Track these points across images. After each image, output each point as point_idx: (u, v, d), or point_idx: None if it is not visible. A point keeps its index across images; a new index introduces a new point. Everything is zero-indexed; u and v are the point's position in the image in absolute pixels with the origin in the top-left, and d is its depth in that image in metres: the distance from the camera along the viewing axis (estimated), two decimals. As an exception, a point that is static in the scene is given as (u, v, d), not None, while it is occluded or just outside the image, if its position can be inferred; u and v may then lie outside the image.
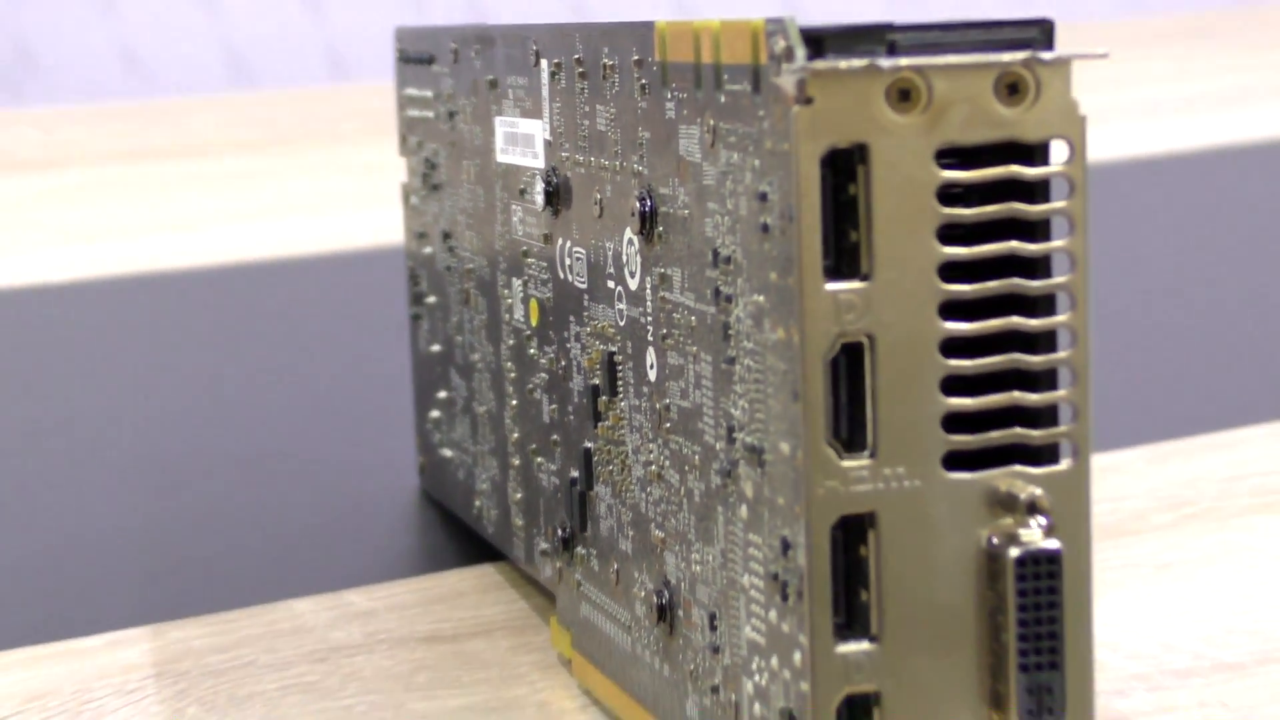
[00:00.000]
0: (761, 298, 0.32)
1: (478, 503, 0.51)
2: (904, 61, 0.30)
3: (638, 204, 0.37)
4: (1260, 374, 0.71)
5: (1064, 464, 0.31)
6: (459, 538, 0.54)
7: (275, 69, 2.06)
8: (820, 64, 0.30)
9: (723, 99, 0.33)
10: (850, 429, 0.31)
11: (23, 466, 0.66)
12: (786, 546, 0.32)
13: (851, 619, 0.31)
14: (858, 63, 0.30)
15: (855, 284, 0.30)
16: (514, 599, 0.49)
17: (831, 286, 0.30)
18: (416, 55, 0.53)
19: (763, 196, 0.32)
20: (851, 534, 0.31)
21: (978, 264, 0.31)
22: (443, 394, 0.53)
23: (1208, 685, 0.43)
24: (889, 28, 0.31)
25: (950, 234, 0.31)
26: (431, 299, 0.54)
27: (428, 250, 0.54)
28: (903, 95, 0.30)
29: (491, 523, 0.50)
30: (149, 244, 1.08)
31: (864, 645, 0.31)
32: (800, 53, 0.30)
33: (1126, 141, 1.26)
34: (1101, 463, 0.58)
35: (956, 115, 0.30)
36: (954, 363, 0.31)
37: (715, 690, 0.35)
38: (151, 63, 2.07)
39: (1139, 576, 0.50)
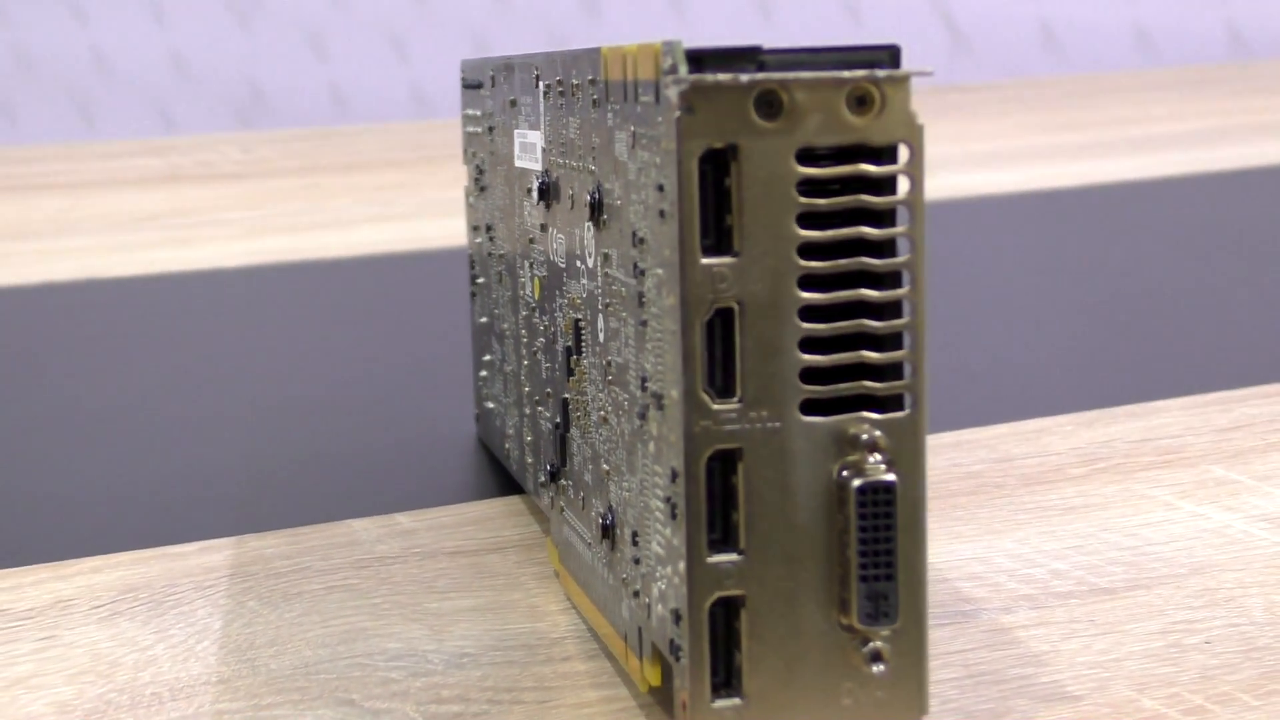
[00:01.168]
0: (661, 271, 0.32)
1: (506, 445, 0.51)
2: (768, 76, 0.30)
3: (588, 196, 0.37)
4: (1179, 355, 0.70)
5: (903, 412, 0.31)
6: (498, 474, 0.54)
7: (449, 102, 2.07)
8: (698, 78, 0.30)
9: (639, 109, 0.33)
10: (724, 378, 0.31)
11: (171, 407, 0.67)
12: (674, 475, 0.32)
13: (725, 536, 0.31)
14: (727, 77, 0.30)
15: (728, 259, 0.30)
16: (529, 524, 0.50)
17: (707, 261, 0.30)
18: (471, 82, 0.53)
19: (660, 187, 0.32)
20: (726, 465, 0.31)
21: (834, 245, 0.31)
22: (487, 357, 0.53)
23: (1082, 605, 0.43)
24: (759, 50, 0.31)
25: (810, 220, 0.31)
26: (481, 280, 0.54)
27: (479, 240, 0.54)
28: (768, 105, 0.30)
29: (514, 461, 0.50)
30: (310, 239, 1.09)
31: (732, 557, 0.31)
32: (683, 69, 0.30)
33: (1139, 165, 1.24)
34: (1039, 425, 0.58)
35: (813, 122, 0.30)
36: (810, 326, 0.31)
37: (637, 594, 0.35)
38: (353, 100, 2.09)
39: (1045, 517, 0.49)
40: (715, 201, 0.31)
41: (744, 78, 0.30)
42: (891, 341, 0.31)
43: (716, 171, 0.31)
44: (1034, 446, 0.56)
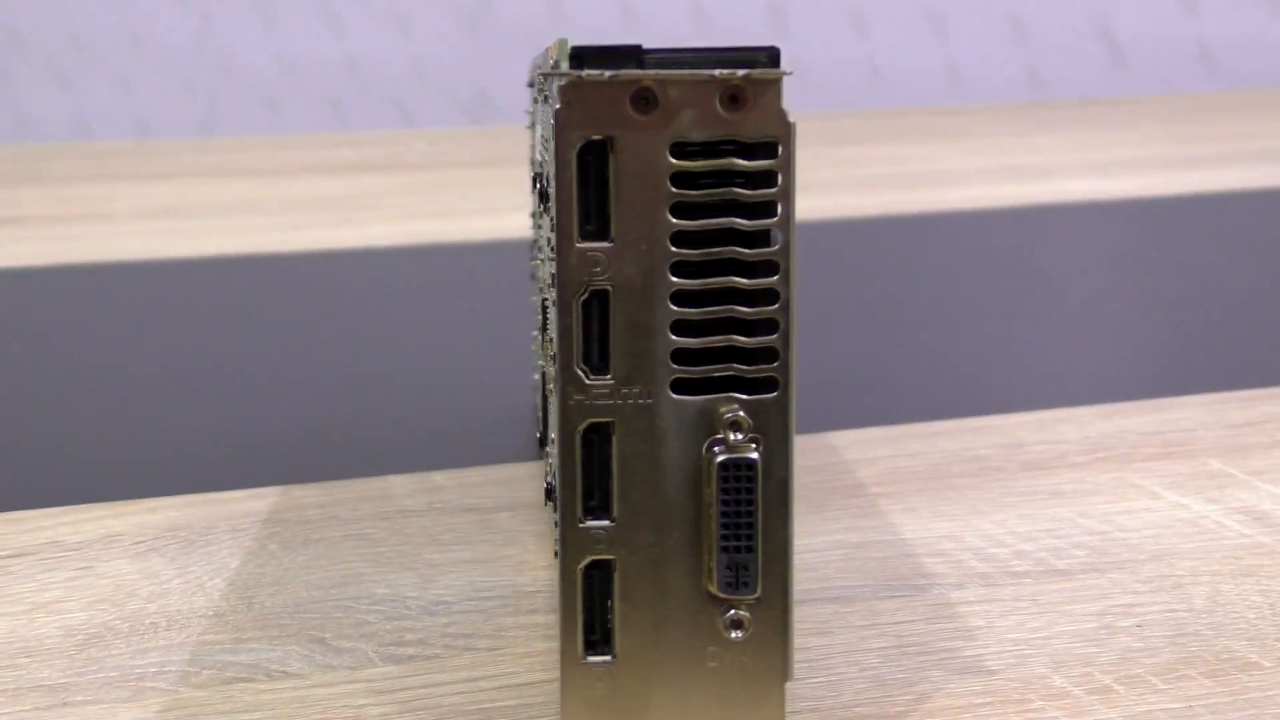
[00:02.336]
0: (553, 254, 0.31)
1: (539, 412, 0.50)
2: (643, 73, 0.29)
3: (537, 184, 0.36)
4: (1206, 356, 0.67)
5: (771, 394, 0.30)
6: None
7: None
8: (576, 74, 0.29)
9: (555, 104, 0.32)
10: (600, 356, 0.30)
11: (289, 367, 0.67)
12: (555, 444, 0.31)
13: (601, 503, 0.30)
14: (603, 73, 0.29)
15: (603, 244, 0.29)
16: (548, 485, 0.49)
17: (583, 245, 0.29)
18: (530, 81, 0.52)
19: (549, 178, 0.31)
20: (603, 438, 0.30)
21: (706, 234, 0.30)
22: (534, 333, 0.53)
23: (1033, 584, 0.41)
24: (639, 49, 0.29)
25: (683, 210, 0.29)
26: (534, 263, 0.53)
27: (530, 228, 0.53)
28: (643, 100, 0.29)
29: (539, 425, 0.49)
30: (465, 223, 1.09)
31: (605, 523, 0.30)
32: (565, 66, 0.29)
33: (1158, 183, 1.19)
34: (1060, 414, 0.55)
35: (686, 117, 0.29)
36: (681, 310, 0.30)
37: (556, 554, 0.34)
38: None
39: (1030, 500, 0.47)
40: (597, 189, 0.30)
41: (619, 74, 0.29)
42: (761, 327, 0.30)
43: (600, 162, 0.30)
44: (1047, 434, 0.54)
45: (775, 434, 0.30)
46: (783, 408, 0.30)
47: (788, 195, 0.29)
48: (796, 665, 0.36)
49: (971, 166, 1.24)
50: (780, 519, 0.30)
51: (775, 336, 0.30)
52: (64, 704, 0.35)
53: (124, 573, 0.42)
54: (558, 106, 0.29)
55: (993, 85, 1.90)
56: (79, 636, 0.38)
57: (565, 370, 0.30)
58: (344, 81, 2.08)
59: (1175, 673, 0.36)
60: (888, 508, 0.47)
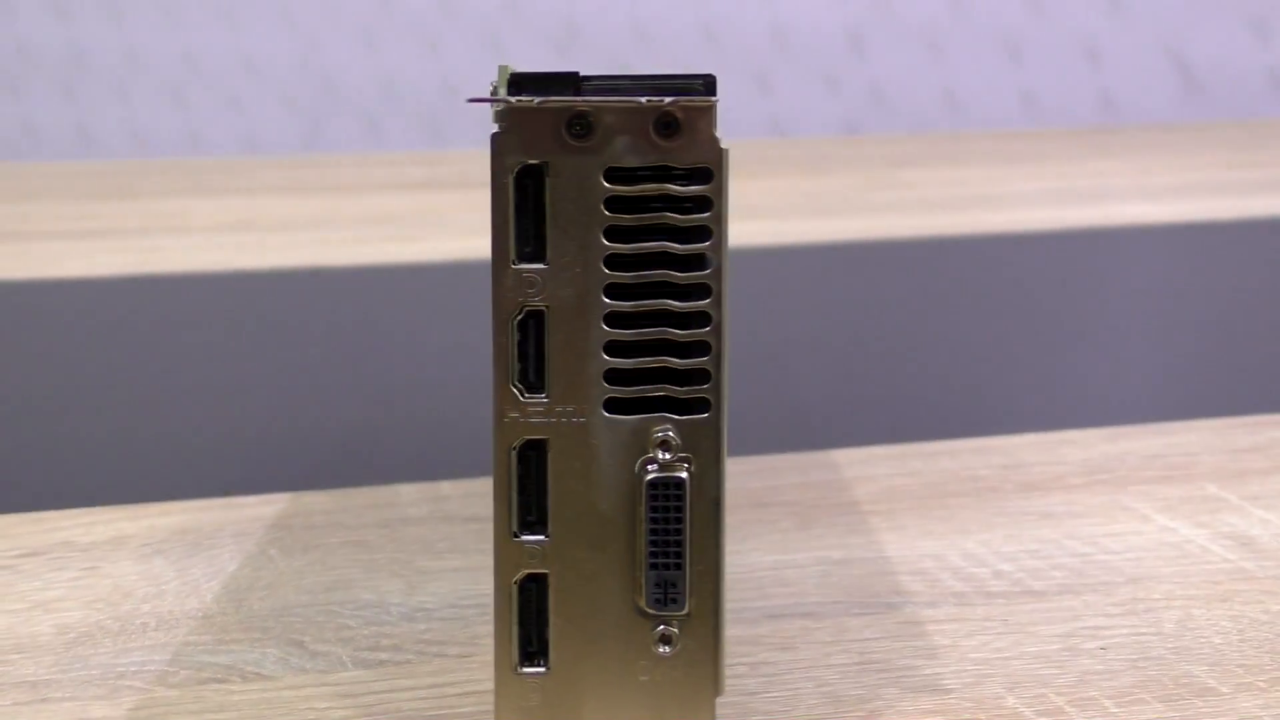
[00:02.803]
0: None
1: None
2: (577, 100, 0.29)
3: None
4: (1217, 379, 0.65)
5: (703, 415, 0.29)
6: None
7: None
8: (514, 100, 0.29)
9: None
10: (535, 375, 0.30)
11: (325, 375, 0.67)
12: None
13: (536, 518, 0.30)
14: (539, 100, 0.29)
15: (538, 266, 0.29)
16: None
17: (518, 266, 0.29)
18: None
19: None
20: (538, 454, 0.30)
21: (640, 257, 0.29)
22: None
23: (1006, 604, 0.40)
24: (576, 76, 0.29)
25: (617, 234, 0.29)
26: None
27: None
28: (578, 126, 0.29)
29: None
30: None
31: (539, 537, 0.30)
32: (503, 91, 0.29)
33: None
34: (1064, 437, 0.54)
35: (621, 143, 0.29)
36: (615, 331, 0.29)
37: (513, 566, 0.34)
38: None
39: (1018, 521, 0.46)
40: (534, 213, 0.29)
41: (552, 101, 0.29)
42: (693, 349, 0.29)
43: (537, 185, 0.29)
44: (1049, 456, 0.53)
45: (707, 454, 0.29)
46: (714, 428, 0.29)
47: (720, 220, 0.29)
48: (755, 680, 0.36)
49: (1028, 190, 1.23)
50: (712, 538, 0.30)
51: (707, 359, 0.29)
52: (42, 700, 0.35)
53: (126, 574, 0.42)
54: (495, 132, 0.29)
55: (1066, 109, 1.87)
56: (70, 635, 0.38)
57: (500, 389, 0.29)
58: (439, 100, 2.10)
59: (1130, 696, 0.35)
60: (876, 525, 0.46)
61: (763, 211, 1.11)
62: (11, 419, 0.62)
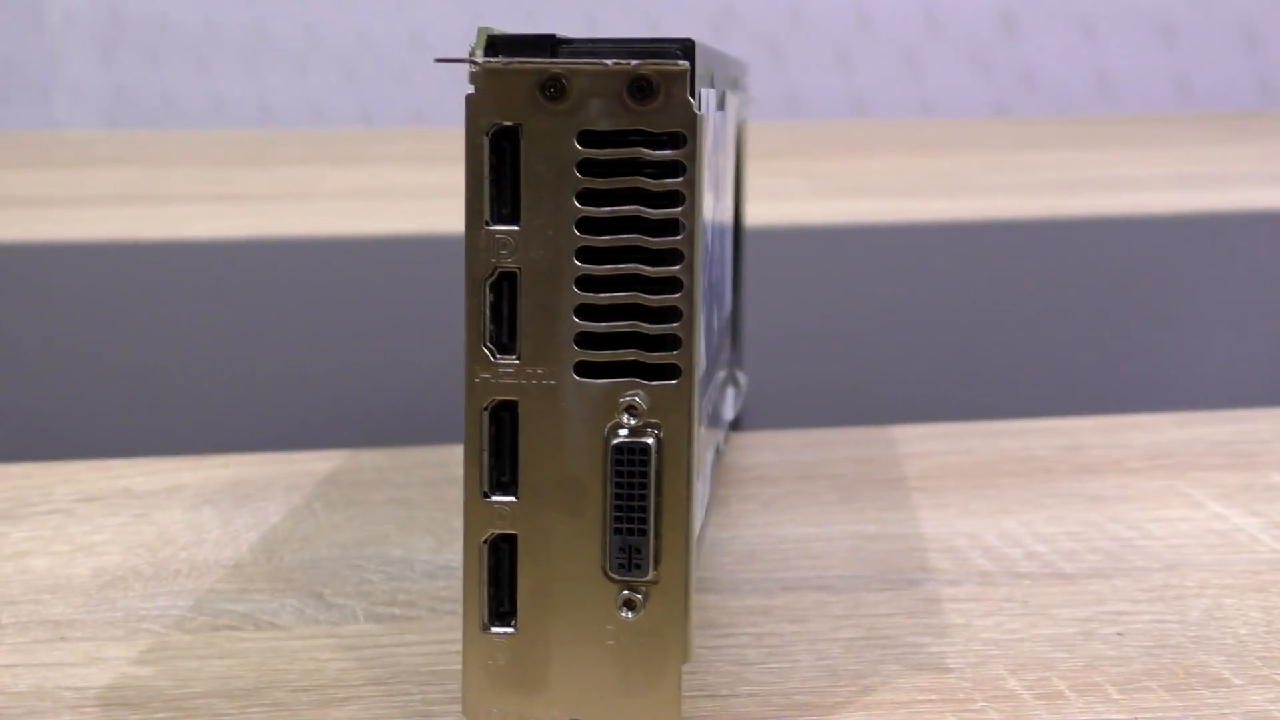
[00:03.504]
0: (474, 235, 0.30)
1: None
2: (551, 62, 0.28)
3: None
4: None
5: (672, 381, 0.29)
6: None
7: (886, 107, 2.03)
8: (486, 61, 0.28)
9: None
10: (508, 336, 0.29)
11: (400, 344, 0.67)
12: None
13: (507, 479, 0.29)
14: (513, 61, 0.28)
15: (511, 227, 0.28)
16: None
17: (491, 228, 0.28)
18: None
19: (472, 160, 0.30)
20: (510, 415, 0.29)
21: (613, 221, 0.28)
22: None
23: (1031, 586, 0.39)
24: (553, 38, 0.28)
25: (589, 197, 0.28)
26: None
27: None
28: (552, 89, 0.28)
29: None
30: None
31: (508, 499, 0.29)
32: (479, 53, 0.28)
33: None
34: (1137, 420, 0.52)
35: (594, 107, 0.28)
36: (586, 295, 0.29)
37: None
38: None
39: (1067, 503, 0.45)
40: (508, 174, 0.29)
41: (523, 62, 0.28)
42: (664, 315, 0.29)
43: (512, 147, 0.29)
44: (1113, 439, 0.51)
45: (677, 420, 0.29)
46: (684, 395, 0.29)
47: (694, 186, 0.28)
48: (757, 650, 0.35)
49: (1145, 175, 1.19)
50: (682, 505, 0.29)
51: (678, 325, 0.28)
52: (61, 638, 0.35)
53: (173, 521, 0.43)
54: (469, 94, 0.28)
55: (1220, 94, 1.81)
56: (105, 578, 0.39)
57: (472, 349, 0.29)
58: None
59: (1136, 683, 0.33)
60: (919, 502, 0.45)
61: (885, 190, 1.10)
62: (127, 367, 0.63)
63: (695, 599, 0.37)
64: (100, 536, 0.42)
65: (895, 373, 0.61)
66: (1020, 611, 0.37)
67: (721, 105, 0.38)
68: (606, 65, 0.28)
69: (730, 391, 0.44)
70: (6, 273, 0.88)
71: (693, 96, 0.28)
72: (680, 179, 0.28)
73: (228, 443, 0.50)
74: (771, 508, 0.44)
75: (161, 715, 0.32)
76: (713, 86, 0.34)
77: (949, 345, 0.66)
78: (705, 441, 0.35)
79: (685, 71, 0.28)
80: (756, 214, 0.99)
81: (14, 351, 0.67)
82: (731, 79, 0.40)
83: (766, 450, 0.50)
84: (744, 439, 0.51)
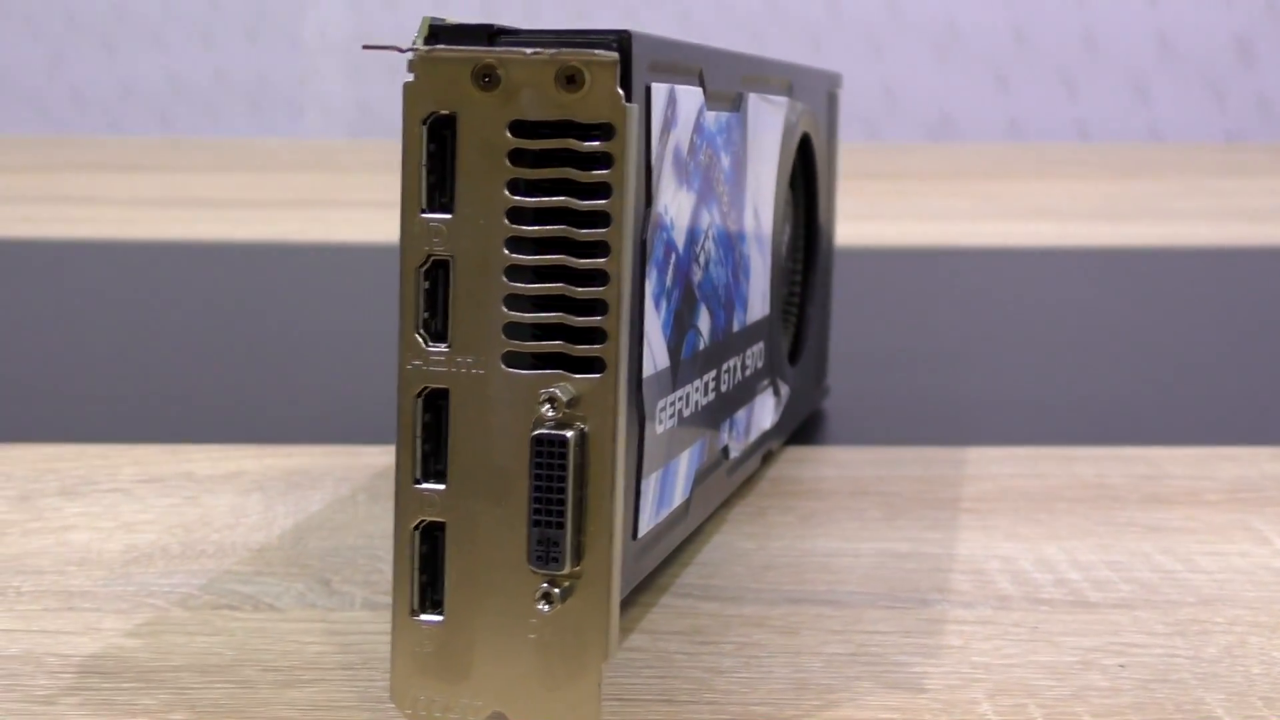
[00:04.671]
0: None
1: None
2: (485, 51, 0.28)
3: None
4: None
5: (597, 375, 0.28)
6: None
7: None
8: (423, 50, 0.28)
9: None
10: (440, 324, 0.29)
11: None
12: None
13: (441, 467, 0.30)
14: (445, 49, 0.28)
15: (444, 216, 0.29)
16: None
17: (426, 215, 0.29)
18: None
19: (410, 149, 0.30)
20: (441, 403, 0.29)
21: (544, 212, 0.28)
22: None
23: (1048, 613, 0.37)
24: (490, 28, 0.29)
25: (520, 187, 0.28)
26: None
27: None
28: (485, 78, 0.28)
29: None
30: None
31: (438, 486, 0.29)
32: (419, 41, 0.29)
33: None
34: (1228, 453, 0.50)
35: (526, 96, 0.28)
36: (515, 285, 0.28)
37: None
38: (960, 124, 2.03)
39: (1120, 531, 0.43)
40: (444, 163, 0.29)
41: (463, 51, 0.28)
42: (591, 308, 0.28)
43: (449, 136, 0.29)
44: (1196, 470, 0.49)
45: (602, 414, 0.28)
46: (610, 389, 0.28)
47: (622, 178, 0.28)
48: (734, 660, 0.34)
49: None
50: (608, 500, 0.28)
51: (604, 318, 0.28)
52: (69, 608, 0.37)
53: (219, 505, 0.44)
54: (406, 82, 0.28)
55: None
56: (133, 555, 0.40)
57: (405, 335, 0.29)
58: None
59: (1118, 717, 0.32)
60: (964, 523, 0.43)
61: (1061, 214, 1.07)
62: (232, 362, 0.65)
63: (678, 604, 0.36)
64: (145, 516, 0.43)
65: (1040, 395, 0.59)
66: (1025, 637, 0.36)
67: (737, 107, 0.38)
68: (538, 55, 0.28)
69: (770, 401, 0.44)
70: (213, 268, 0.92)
71: (624, 88, 0.28)
72: (608, 171, 0.28)
73: (332, 434, 0.51)
74: (809, 521, 0.44)
75: (130, 684, 0.33)
76: (699, 85, 0.34)
77: (1085, 369, 0.64)
78: (684, 440, 0.35)
79: (614, 62, 0.27)
80: (924, 234, 0.97)
81: (156, 339, 0.69)
82: (753, 81, 0.39)
83: (828, 465, 0.49)
84: (807, 452, 0.50)
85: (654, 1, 2.08)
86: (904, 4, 2.02)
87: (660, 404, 0.32)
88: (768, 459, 0.46)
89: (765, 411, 0.43)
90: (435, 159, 0.29)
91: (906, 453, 0.51)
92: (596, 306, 0.28)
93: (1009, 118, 2.01)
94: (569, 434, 0.28)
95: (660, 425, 0.32)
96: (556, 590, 0.28)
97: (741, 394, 0.40)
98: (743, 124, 0.38)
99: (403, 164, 0.29)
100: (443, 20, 0.29)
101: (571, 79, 0.28)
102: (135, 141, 1.95)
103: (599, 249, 0.28)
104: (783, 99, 0.43)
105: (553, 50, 0.28)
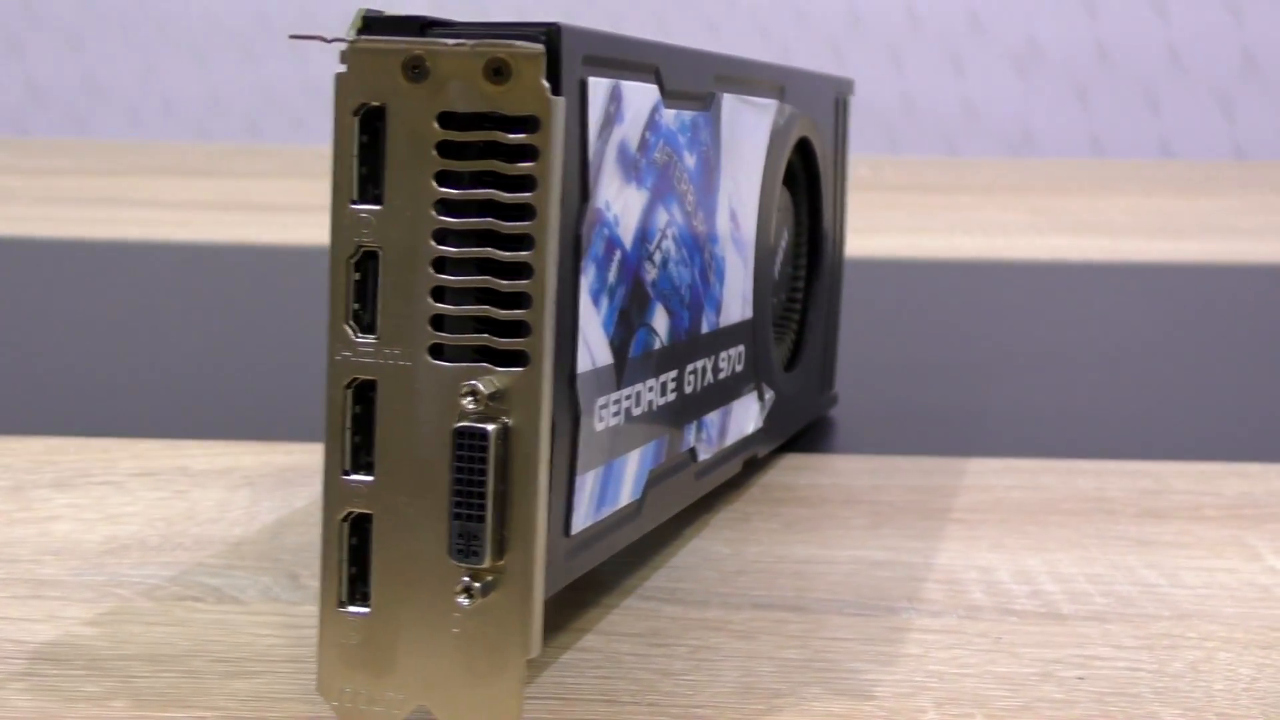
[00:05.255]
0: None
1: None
2: (414, 42, 0.28)
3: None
4: None
5: (520, 368, 0.28)
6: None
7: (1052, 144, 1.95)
8: (354, 40, 0.28)
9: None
10: (370, 316, 0.29)
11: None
12: (334, 400, 0.30)
13: (365, 459, 0.29)
14: (374, 41, 0.28)
15: (374, 207, 0.29)
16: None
17: (355, 207, 0.29)
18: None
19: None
20: (370, 394, 0.29)
21: (471, 204, 0.28)
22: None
23: (1016, 624, 0.37)
24: (423, 19, 0.28)
25: (448, 179, 0.28)
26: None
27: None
28: (414, 70, 0.28)
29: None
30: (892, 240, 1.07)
31: (365, 478, 0.29)
32: (353, 32, 0.29)
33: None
34: (1240, 469, 0.49)
35: (454, 89, 0.28)
36: (441, 277, 0.28)
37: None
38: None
39: (1108, 545, 0.42)
40: (374, 154, 0.29)
41: (392, 42, 0.28)
42: (515, 301, 0.28)
43: (381, 127, 0.29)
44: (1201, 486, 0.48)
45: (526, 408, 0.28)
46: (533, 383, 0.28)
47: (547, 171, 0.28)
48: (686, 663, 0.34)
49: None
50: (527, 494, 0.28)
51: (527, 311, 0.28)
52: (36, 595, 0.37)
53: (206, 500, 0.44)
54: (337, 72, 0.28)
55: None
56: (111, 546, 0.40)
57: (334, 326, 0.29)
58: (897, 115, 2.08)
59: (1065, 729, 0.31)
60: (950, 533, 0.43)
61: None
62: (248, 359, 0.65)
63: (641, 606, 0.36)
64: (131, 509, 0.43)
65: (1060, 408, 0.58)
66: (986, 647, 0.35)
67: (707, 107, 0.37)
68: (465, 47, 0.28)
69: (754, 406, 0.43)
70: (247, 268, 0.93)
71: (552, 81, 0.28)
72: (533, 163, 0.28)
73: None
74: (793, 528, 0.43)
75: (78, 671, 0.33)
76: (655, 82, 0.34)
77: (1110, 383, 0.63)
78: (635, 439, 0.34)
79: (540, 55, 0.27)
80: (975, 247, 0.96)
81: (177, 336, 0.70)
82: (728, 81, 0.39)
83: (824, 473, 0.49)
84: (806, 460, 0.50)
85: (730, 16, 2.07)
86: (984, 19, 2.00)
87: (601, 401, 0.32)
88: (752, 465, 0.46)
89: (747, 416, 0.43)
90: (368, 150, 0.29)
91: (905, 462, 0.50)
92: (521, 300, 0.28)
93: (1091, 134, 1.99)
94: (490, 427, 0.28)
95: (601, 422, 0.32)
96: (477, 584, 0.28)
97: (714, 396, 0.40)
98: (714, 124, 0.38)
99: (333, 155, 0.29)
100: (379, 12, 0.29)
101: (498, 71, 0.28)
102: (218, 149, 1.98)
103: (524, 242, 0.28)
104: (770, 101, 0.42)
105: (481, 42, 0.28)
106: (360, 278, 0.29)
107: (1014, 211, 1.31)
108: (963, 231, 1.17)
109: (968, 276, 0.93)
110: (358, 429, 0.29)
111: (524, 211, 0.28)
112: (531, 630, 0.29)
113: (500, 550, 0.28)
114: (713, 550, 0.41)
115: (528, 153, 0.28)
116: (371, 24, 0.29)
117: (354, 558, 0.29)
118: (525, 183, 0.28)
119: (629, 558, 0.40)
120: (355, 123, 0.28)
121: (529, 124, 0.28)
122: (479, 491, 0.28)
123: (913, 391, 0.61)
